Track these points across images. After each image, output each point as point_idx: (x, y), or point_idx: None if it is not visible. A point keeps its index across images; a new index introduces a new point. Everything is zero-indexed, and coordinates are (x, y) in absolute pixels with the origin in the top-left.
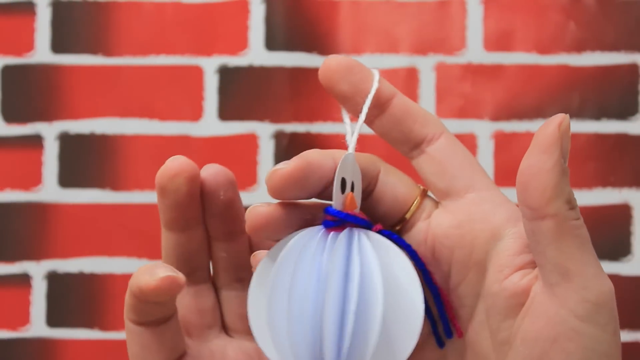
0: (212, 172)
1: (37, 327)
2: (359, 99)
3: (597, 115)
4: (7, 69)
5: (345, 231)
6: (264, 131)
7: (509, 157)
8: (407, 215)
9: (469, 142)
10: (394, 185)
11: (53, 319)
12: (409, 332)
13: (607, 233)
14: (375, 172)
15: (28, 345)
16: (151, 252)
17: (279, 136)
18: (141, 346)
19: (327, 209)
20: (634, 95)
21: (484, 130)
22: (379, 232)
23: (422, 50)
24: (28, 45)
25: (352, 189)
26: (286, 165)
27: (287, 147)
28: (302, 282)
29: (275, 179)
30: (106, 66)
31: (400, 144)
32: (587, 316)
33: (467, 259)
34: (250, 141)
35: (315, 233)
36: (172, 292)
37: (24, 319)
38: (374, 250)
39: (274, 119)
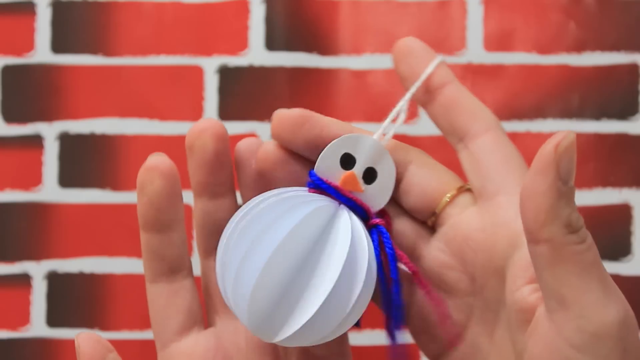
0: (245, 141)
1: (37, 327)
2: (411, 82)
3: (597, 115)
4: (7, 69)
5: (334, 205)
6: (264, 131)
7: None
8: (437, 210)
9: None
10: (424, 178)
11: (53, 319)
12: (334, 324)
13: (607, 233)
14: (404, 163)
15: (28, 345)
16: None
17: None
18: (160, 305)
19: (310, 172)
20: (634, 95)
21: None
22: (375, 226)
23: None
24: (28, 45)
25: (371, 176)
26: (294, 111)
27: None
28: (270, 235)
29: (277, 118)
30: (106, 66)
31: (447, 135)
32: (584, 347)
33: (489, 264)
34: None
35: (302, 193)
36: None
37: (24, 319)
38: (348, 237)
39: None
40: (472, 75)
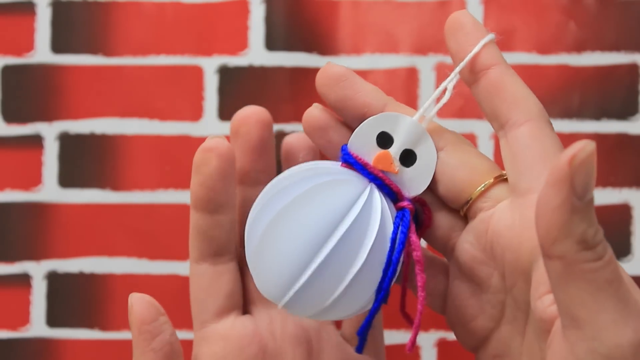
0: (294, 135)
1: (37, 327)
2: (457, 59)
3: (597, 115)
4: (7, 69)
5: (364, 183)
6: None
7: None
8: (469, 200)
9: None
10: (454, 167)
11: (53, 319)
12: (362, 302)
13: (607, 233)
14: (437, 149)
15: (28, 345)
16: (151, 252)
17: (279, 136)
18: (202, 286)
19: (342, 147)
20: (634, 95)
21: (484, 130)
22: (402, 209)
23: (422, 50)
24: (28, 45)
25: (410, 158)
26: (338, 68)
27: None
28: (300, 209)
29: (322, 70)
30: (106, 66)
31: (490, 120)
32: None
33: (516, 264)
34: None
35: (335, 168)
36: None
37: (24, 319)
38: (377, 216)
39: (274, 119)
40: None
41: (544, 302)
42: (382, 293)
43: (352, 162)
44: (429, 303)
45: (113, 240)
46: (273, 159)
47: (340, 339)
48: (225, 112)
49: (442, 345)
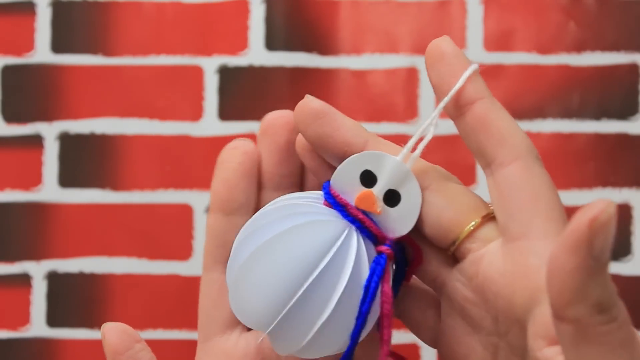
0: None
1: (37, 327)
2: (440, 92)
3: (597, 115)
4: (7, 69)
5: (343, 224)
6: None
7: None
8: (457, 241)
9: None
10: (440, 208)
11: (53, 319)
12: (338, 345)
13: None
14: (421, 188)
15: (28, 345)
16: (151, 252)
17: None
18: (212, 296)
19: (323, 185)
20: (634, 95)
21: None
22: (379, 255)
23: (422, 50)
24: (28, 45)
25: (394, 198)
26: (316, 103)
27: None
28: (284, 242)
29: (299, 105)
30: (106, 66)
31: (476, 156)
32: None
33: (509, 312)
34: None
35: (314, 204)
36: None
37: (24, 319)
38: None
39: None
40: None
41: (546, 355)
42: (351, 342)
43: (332, 203)
44: (418, 336)
45: (113, 240)
46: (298, 166)
47: None
48: (225, 112)
49: None
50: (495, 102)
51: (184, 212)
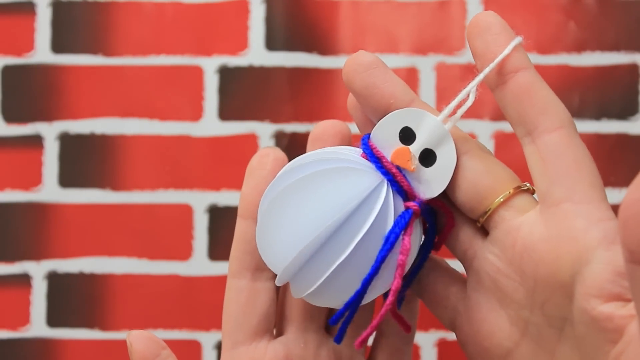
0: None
1: (37, 327)
2: (484, 60)
3: (597, 115)
4: (7, 69)
5: (378, 177)
6: (264, 131)
7: (509, 157)
8: (489, 210)
9: None
10: (477, 172)
11: (53, 319)
12: (349, 293)
13: None
14: (458, 154)
15: (28, 345)
16: (151, 252)
17: (279, 136)
18: (240, 303)
19: (363, 137)
20: (634, 95)
21: (484, 130)
22: (406, 210)
23: (422, 50)
24: (28, 45)
25: (429, 158)
26: (369, 55)
27: (287, 147)
28: (314, 194)
29: (354, 55)
30: (106, 66)
31: (514, 125)
32: None
33: (551, 278)
34: (250, 141)
35: (353, 157)
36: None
37: (24, 319)
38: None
39: (274, 119)
40: (472, 75)
41: (603, 313)
42: (360, 288)
43: (368, 154)
44: (438, 315)
45: (113, 240)
46: None
47: None
48: (225, 112)
49: (442, 345)
50: (537, 73)
51: (184, 212)
